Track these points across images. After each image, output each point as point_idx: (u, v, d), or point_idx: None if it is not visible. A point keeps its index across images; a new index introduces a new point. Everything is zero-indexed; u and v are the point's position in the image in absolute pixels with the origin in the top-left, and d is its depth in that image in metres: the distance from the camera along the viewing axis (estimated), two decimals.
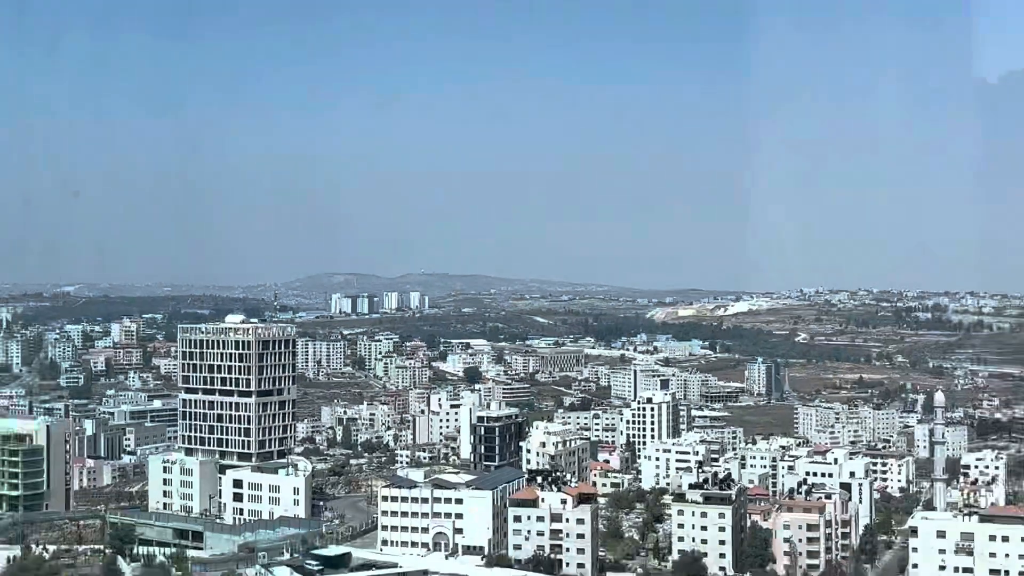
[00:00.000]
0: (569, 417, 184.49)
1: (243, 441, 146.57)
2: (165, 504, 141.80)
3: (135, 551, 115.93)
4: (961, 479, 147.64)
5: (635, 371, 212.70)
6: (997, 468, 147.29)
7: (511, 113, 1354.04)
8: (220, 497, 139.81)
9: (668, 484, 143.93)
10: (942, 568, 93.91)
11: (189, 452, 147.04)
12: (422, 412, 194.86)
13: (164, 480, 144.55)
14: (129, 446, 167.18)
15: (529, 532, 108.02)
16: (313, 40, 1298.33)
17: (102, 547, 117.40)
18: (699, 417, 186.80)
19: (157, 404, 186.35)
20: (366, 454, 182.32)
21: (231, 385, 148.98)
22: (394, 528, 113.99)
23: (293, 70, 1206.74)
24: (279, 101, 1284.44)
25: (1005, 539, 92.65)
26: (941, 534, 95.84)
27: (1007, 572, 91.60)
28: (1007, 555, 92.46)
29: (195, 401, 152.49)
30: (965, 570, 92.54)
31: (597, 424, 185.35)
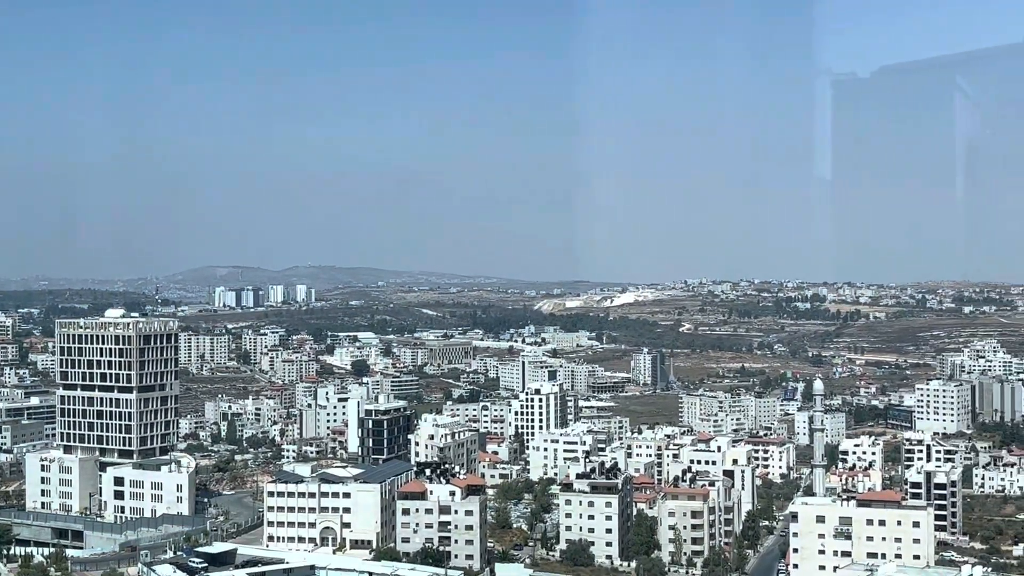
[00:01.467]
0: (458, 409, 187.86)
1: (124, 438, 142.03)
2: (43, 503, 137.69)
3: (11, 551, 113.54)
4: (839, 465, 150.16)
5: (523, 362, 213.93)
6: (874, 454, 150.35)
7: (393, 111, 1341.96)
8: (101, 495, 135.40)
9: (556, 474, 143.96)
10: (821, 552, 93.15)
11: (68, 449, 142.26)
12: (309, 406, 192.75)
13: (42, 478, 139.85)
14: (5, 444, 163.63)
15: (418, 525, 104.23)
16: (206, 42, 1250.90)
17: None
18: (586, 407, 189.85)
19: (35, 401, 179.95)
20: (252, 449, 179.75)
21: (111, 380, 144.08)
22: (280, 524, 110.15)
23: (181, 64, 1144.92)
24: (152, 96, 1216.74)
25: (882, 523, 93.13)
26: (820, 519, 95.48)
27: (883, 555, 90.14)
28: (883, 538, 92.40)
29: (74, 397, 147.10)
30: (843, 553, 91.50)
31: (486, 415, 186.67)
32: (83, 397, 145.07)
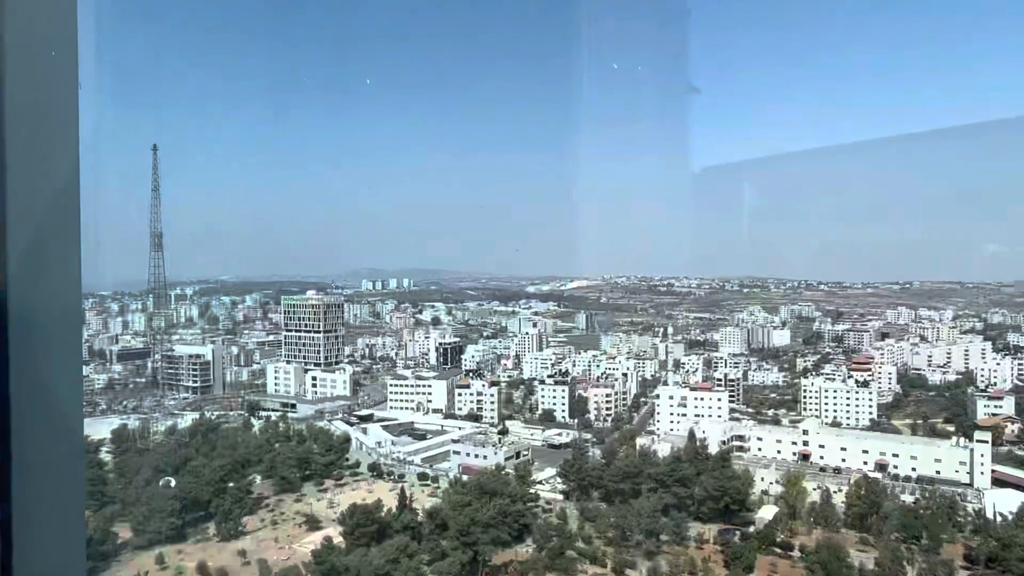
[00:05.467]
0: (486, 342, 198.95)
1: (316, 356, 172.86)
2: (275, 390, 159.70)
3: (259, 414, 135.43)
4: (681, 370, 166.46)
5: (520, 318, 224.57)
6: (696, 365, 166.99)
7: None
8: (305, 385, 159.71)
9: (537, 375, 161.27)
10: (671, 414, 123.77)
11: (288, 361, 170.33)
12: (410, 340, 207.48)
13: (275, 378, 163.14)
14: (258, 361, 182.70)
15: (466, 400, 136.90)
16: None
17: (243, 412, 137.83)
18: (553, 341, 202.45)
19: (270, 338, 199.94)
20: (381, 363, 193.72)
21: (310, 328, 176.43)
22: (395, 400, 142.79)
23: None
24: None
25: (700, 399, 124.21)
26: (670, 397, 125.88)
27: (699, 416, 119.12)
28: (700, 407, 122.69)
29: (291, 337, 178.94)
30: (681, 415, 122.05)
31: (501, 345, 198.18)
32: (296, 337, 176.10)
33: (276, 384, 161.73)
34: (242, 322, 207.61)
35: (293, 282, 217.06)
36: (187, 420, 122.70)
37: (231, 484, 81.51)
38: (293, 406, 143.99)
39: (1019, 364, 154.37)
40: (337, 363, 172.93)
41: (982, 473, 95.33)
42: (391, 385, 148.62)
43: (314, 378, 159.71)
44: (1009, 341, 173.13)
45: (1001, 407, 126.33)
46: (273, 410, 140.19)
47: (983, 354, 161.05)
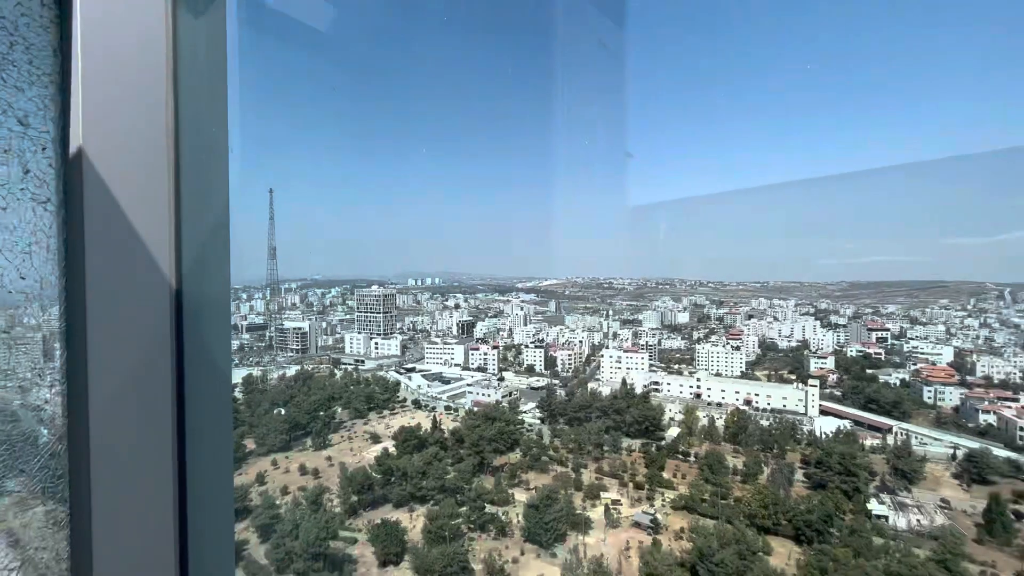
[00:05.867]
0: (492, 320, 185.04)
1: (378, 327, 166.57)
2: (351, 351, 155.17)
3: (340, 366, 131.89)
4: (617, 339, 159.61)
5: (512, 304, 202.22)
6: (628, 336, 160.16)
7: None
8: (370, 348, 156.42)
9: (523, 342, 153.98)
10: (611, 368, 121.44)
11: (359, 332, 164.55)
12: (440, 318, 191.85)
13: (350, 343, 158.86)
14: (338, 331, 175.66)
15: (476, 358, 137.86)
16: None
17: (329, 366, 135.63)
18: (532, 320, 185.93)
19: (348, 317, 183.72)
20: (420, 333, 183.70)
21: (374, 311, 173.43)
22: (430, 357, 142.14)
23: None
24: None
25: (630, 358, 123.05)
26: (611, 357, 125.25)
27: (629, 369, 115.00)
28: (628, 364, 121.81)
29: (360, 317, 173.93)
30: (618, 368, 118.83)
31: (499, 322, 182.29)
32: (364, 316, 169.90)
33: (351, 347, 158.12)
34: (329, 306, 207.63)
35: (363, 279, 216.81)
36: (292, 371, 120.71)
37: (321, 413, 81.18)
38: (362, 362, 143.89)
39: (836, 335, 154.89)
40: (391, 333, 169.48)
41: (812, 406, 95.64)
42: (427, 348, 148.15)
43: (376, 343, 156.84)
44: (831, 320, 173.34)
45: (826, 362, 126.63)
46: (349, 364, 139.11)
47: (814, 329, 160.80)
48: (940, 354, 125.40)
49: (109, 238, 1.28)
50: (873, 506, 53.30)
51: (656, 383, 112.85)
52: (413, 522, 51.17)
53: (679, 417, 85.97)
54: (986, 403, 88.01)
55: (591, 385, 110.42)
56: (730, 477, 59.71)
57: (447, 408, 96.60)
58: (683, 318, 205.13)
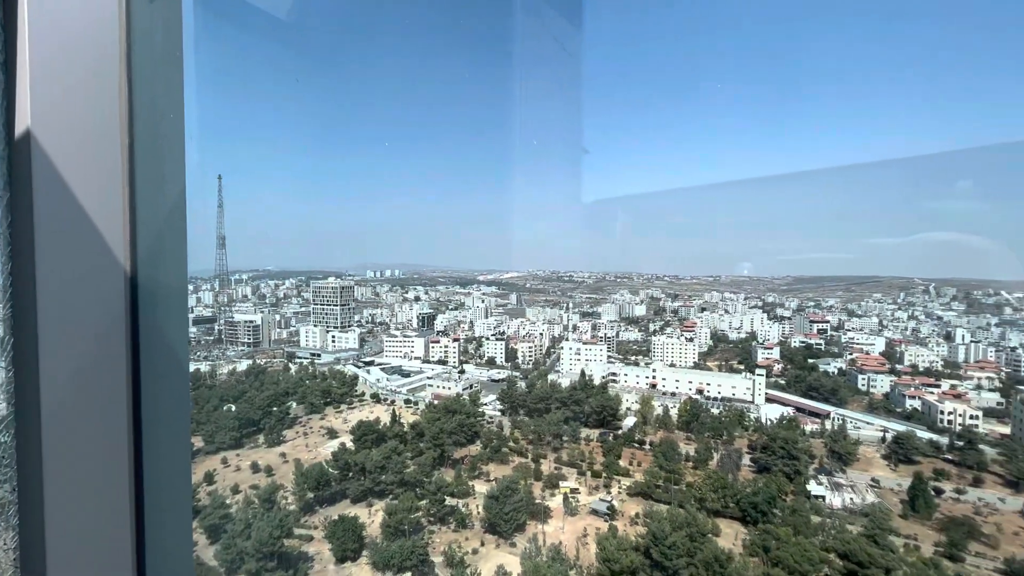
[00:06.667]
0: (453, 313, 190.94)
1: (336, 320, 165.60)
2: (307, 344, 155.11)
3: (295, 360, 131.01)
4: (577, 331, 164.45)
5: (473, 296, 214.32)
6: (587, 328, 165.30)
7: None
8: (327, 341, 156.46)
9: (484, 334, 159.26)
10: (570, 359, 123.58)
11: (315, 325, 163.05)
12: (400, 311, 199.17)
13: (305, 336, 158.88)
14: (292, 323, 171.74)
15: (437, 351, 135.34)
16: None
17: (283, 359, 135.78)
18: (493, 313, 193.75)
19: (303, 309, 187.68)
20: (380, 326, 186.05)
21: (329, 303, 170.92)
22: (390, 350, 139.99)
23: None
24: None
25: (589, 350, 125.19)
26: (570, 348, 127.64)
27: (588, 360, 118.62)
28: (587, 355, 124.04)
29: (317, 309, 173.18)
30: (577, 360, 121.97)
31: (460, 314, 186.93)
32: (321, 308, 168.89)
33: (307, 340, 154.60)
34: (283, 298, 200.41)
35: (319, 271, 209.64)
36: (243, 365, 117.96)
37: (274, 408, 79.06)
38: (318, 355, 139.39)
39: (782, 327, 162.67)
40: (349, 326, 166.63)
41: (759, 394, 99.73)
42: (386, 341, 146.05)
43: (333, 336, 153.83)
44: (777, 313, 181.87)
45: (772, 353, 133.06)
46: (304, 358, 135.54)
47: (762, 321, 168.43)
48: (873, 344, 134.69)
49: (60, 225, 1.24)
50: (812, 487, 56.41)
51: (614, 374, 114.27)
52: (371, 517, 50.57)
53: (635, 407, 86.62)
54: (912, 389, 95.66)
55: (551, 377, 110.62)
56: (683, 463, 61.60)
57: (407, 401, 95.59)
58: (640, 311, 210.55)
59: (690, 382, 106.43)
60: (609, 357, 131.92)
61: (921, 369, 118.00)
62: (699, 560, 38.20)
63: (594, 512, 52.54)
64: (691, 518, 41.76)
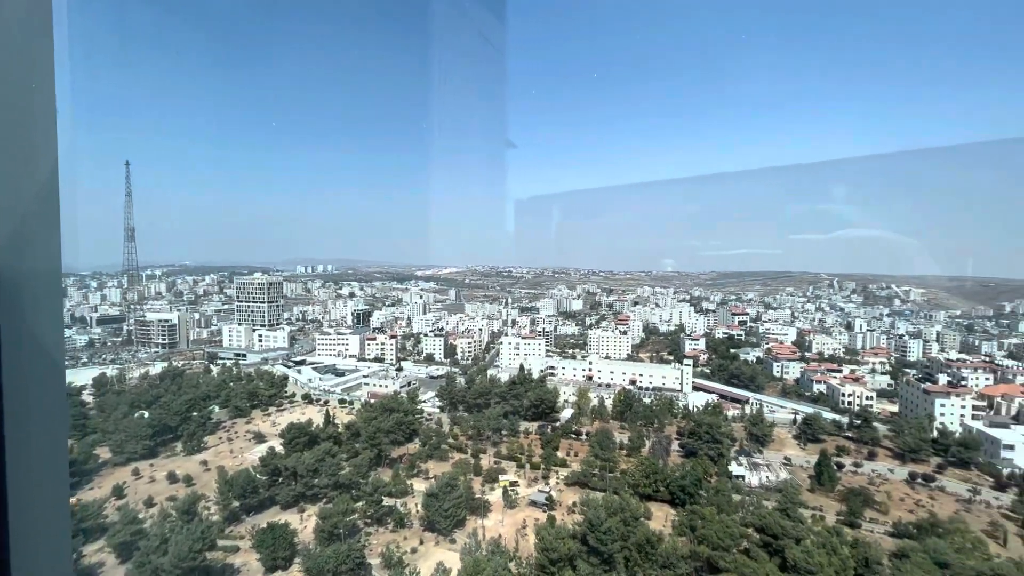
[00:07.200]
0: (389, 309, 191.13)
1: (263, 319, 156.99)
2: (230, 344, 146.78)
3: (217, 361, 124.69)
4: (516, 326, 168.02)
5: (411, 293, 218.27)
6: (526, 323, 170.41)
7: None
8: (253, 340, 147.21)
9: (422, 330, 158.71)
10: (510, 354, 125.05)
11: (240, 323, 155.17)
12: (333, 308, 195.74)
13: (229, 336, 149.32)
14: (214, 322, 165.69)
15: (373, 348, 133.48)
16: None
17: (204, 361, 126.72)
18: (432, 309, 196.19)
19: (226, 307, 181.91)
20: (311, 324, 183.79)
21: (256, 299, 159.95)
22: (323, 349, 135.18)
23: None
24: None
25: (527, 344, 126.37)
26: (509, 343, 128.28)
27: (527, 354, 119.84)
28: (526, 349, 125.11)
29: (242, 306, 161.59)
30: (516, 354, 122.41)
31: (397, 311, 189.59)
32: (246, 306, 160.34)
33: (230, 340, 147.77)
34: (202, 295, 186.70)
35: (244, 266, 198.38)
36: (157, 368, 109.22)
37: (194, 413, 74.24)
38: (244, 356, 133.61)
39: (707, 319, 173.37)
40: (278, 324, 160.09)
41: (687, 383, 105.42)
42: (319, 339, 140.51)
43: (260, 335, 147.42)
44: (703, 306, 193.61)
45: (698, 344, 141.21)
46: (228, 359, 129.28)
47: (689, 314, 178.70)
48: (786, 334, 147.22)
49: None
50: (734, 468, 61.09)
51: (552, 367, 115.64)
52: (304, 523, 49.09)
53: (573, 399, 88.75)
54: (818, 374, 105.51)
55: (491, 372, 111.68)
56: (617, 451, 64.21)
57: (341, 401, 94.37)
58: (577, 305, 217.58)
59: (624, 373, 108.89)
60: (548, 351, 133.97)
61: (826, 356, 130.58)
62: (632, 543, 40.00)
63: (533, 503, 53.56)
64: (625, 504, 43.59)
